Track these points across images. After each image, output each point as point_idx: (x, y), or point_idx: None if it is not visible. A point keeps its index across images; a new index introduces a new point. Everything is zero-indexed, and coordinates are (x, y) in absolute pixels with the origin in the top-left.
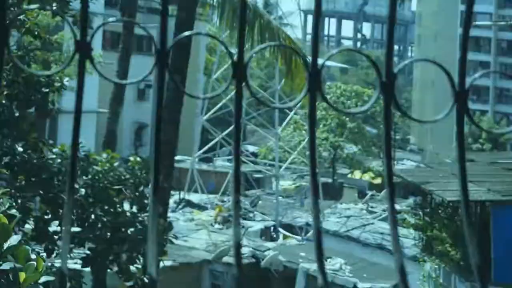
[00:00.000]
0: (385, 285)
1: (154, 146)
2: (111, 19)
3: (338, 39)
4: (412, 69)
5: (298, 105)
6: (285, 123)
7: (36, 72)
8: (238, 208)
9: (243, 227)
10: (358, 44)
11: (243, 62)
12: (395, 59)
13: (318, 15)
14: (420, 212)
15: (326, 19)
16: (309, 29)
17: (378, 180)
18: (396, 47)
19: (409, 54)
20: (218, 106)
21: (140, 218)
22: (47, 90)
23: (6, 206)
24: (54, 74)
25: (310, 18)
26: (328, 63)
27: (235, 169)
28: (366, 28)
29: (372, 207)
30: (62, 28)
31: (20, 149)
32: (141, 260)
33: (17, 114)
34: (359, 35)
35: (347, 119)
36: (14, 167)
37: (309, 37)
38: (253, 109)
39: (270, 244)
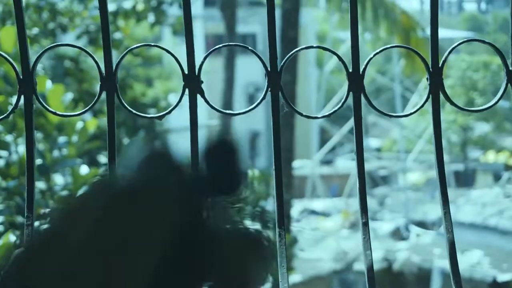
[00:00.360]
0: None
1: (276, 176)
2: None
3: (459, 2)
4: None
5: (422, 87)
6: (410, 109)
7: (146, 116)
8: (366, 231)
9: (371, 229)
10: (483, 5)
11: (359, 72)
12: None
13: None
14: None
15: None
16: None
17: None
18: None
19: None
20: (334, 104)
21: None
22: (154, 111)
23: None
24: (164, 116)
25: None
26: (451, 34)
27: (361, 191)
28: None
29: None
30: (161, 38)
31: None
32: (271, 279)
33: (125, 141)
34: None
35: (476, 93)
36: None
37: (426, 6)
38: (373, 97)
39: (401, 244)
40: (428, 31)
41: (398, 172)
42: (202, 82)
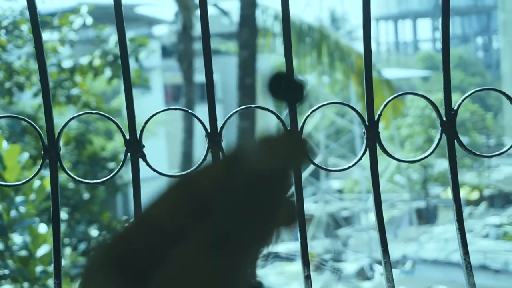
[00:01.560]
0: None
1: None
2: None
3: (414, 42)
4: (499, 62)
5: (381, 127)
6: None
7: (89, 182)
8: (309, 284)
9: (337, 270)
10: (438, 44)
11: (297, 128)
12: (480, 53)
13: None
14: None
15: (400, 21)
16: (382, 37)
17: (475, 194)
18: (479, 39)
19: (494, 44)
20: None
21: None
22: (113, 164)
23: None
24: (107, 181)
25: (382, 24)
26: (408, 73)
27: (302, 246)
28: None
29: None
30: (119, 91)
31: (95, 232)
32: None
33: (86, 196)
34: (437, 34)
35: (435, 131)
36: (91, 253)
37: (382, 47)
38: (333, 139)
39: (366, 284)
40: (384, 73)
41: (360, 212)
42: (143, 146)
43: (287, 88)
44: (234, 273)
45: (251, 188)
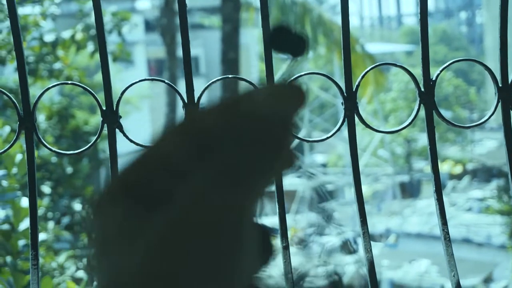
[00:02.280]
0: (474, 281)
1: None
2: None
3: (398, 17)
4: (483, 36)
5: (365, 102)
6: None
7: (66, 153)
8: (287, 254)
9: (321, 244)
10: None
11: None
12: (464, 28)
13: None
14: (505, 196)
15: None
16: (366, 12)
17: (458, 168)
18: (463, 14)
19: (478, 19)
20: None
21: None
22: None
23: (73, 270)
24: (83, 152)
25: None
26: (392, 48)
27: (281, 217)
28: None
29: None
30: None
31: (78, 206)
32: None
33: (69, 170)
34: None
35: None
36: (74, 227)
37: (366, 22)
38: (317, 113)
39: (350, 258)
40: (367, 47)
41: (344, 186)
42: (120, 117)
43: (290, 41)
44: (239, 210)
45: (255, 130)
